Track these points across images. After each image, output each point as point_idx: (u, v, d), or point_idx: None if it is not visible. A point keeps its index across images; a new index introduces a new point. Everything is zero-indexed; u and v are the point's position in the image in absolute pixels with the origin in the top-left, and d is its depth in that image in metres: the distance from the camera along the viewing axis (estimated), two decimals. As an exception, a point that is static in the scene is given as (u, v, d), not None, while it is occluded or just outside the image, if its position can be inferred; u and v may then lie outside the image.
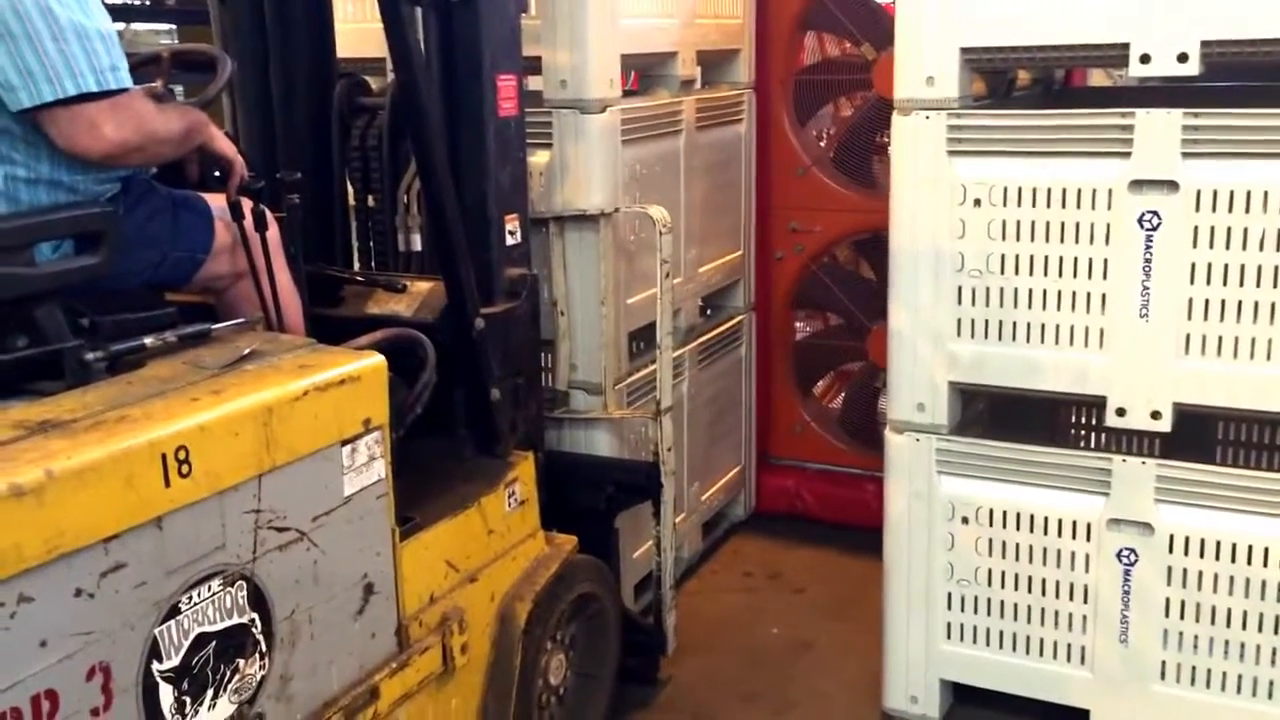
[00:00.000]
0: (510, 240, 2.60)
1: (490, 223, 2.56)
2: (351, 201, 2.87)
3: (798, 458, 4.12)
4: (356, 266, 2.87)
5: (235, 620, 1.79)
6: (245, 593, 1.80)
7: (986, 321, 2.62)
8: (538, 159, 3.02)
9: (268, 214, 2.20)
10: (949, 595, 2.77)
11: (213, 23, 2.72)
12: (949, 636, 2.79)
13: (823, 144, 4.14)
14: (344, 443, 1.96)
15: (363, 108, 2.80)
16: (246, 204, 2.17)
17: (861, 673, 3.04)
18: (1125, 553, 2.58)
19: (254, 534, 1.81)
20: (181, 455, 1.67)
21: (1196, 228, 2.40)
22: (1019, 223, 2.55)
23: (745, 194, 3.86)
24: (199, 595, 1.72)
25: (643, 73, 3.52)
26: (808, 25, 3.94)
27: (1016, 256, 2.56)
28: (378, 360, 2.03)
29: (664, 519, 2.96)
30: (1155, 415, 2.51)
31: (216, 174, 2.22)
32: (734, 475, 3.98)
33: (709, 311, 3.87)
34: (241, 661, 1.81)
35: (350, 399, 1.96)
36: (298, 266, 2.29)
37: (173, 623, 1.69)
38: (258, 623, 1.83)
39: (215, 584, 1.75)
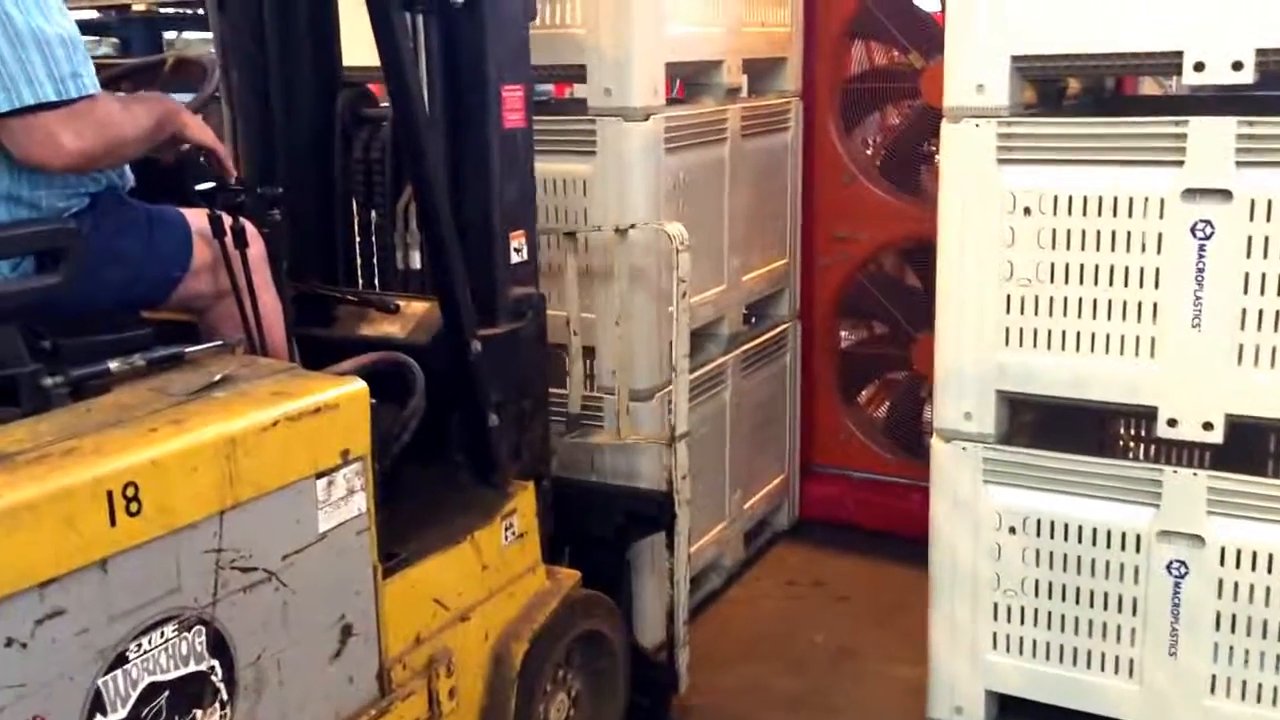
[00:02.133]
0: (516, 258, 2.50)
1: (494, 239, 2.46)
2: (357, 217, 2.78)
3: (842, 466, 4.11)
4: (360, 285, 2.79)
5: (192, 668, 1.67)
6: (204, 638, 1.68)
7: (1035, 331, 2.60)
8: (579, 168, 3.04)
9: (250, 230, 2.09)
10: (995, 605, 2.75)
11: (212, 30, 2.63)
12: (995, 647, 2.77)
13: (869, 152, 4.14)
14: (319, 475, 1.83)
15: (366, 119, 2.71)
16: (227, 220, 2.06)
17: (906, 682, 3.03)
18: (1175, 565, 2.55)
19: (214, 575, 1.69)
20: (130, 492, 1.55)
21: (1250, 237, 2.37)
22: (1069, 231, 2.53)
23: (791, 202, 3.86)
24: (150, 642, 1.61)
25: (688, 81, 3.54)
26: (855, 34, 3.94)
27: (1066, 265, 2.54)
28: (358, 387, 1.90)
29: (678, 552, 2.81)
30: (1207, 426, 2.48)
31: (199, 187, 2.10)
32: (778, 483, 3.97)
33: (753, 319, 3.88)
34: (199, 712, 1.69)
35: (327, 429, 1.84)
36: (282, 286, 2.18)
37: (119, 672, 1.57)
38: (218, 670, 1.72)
39: (169, 630, 1.63)
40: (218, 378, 1.84)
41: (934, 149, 2.75)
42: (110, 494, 1.53)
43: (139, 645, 1.60)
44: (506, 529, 2.40)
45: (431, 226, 2.34)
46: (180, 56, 2.37)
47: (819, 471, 4.14)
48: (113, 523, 1.54)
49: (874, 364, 4.21)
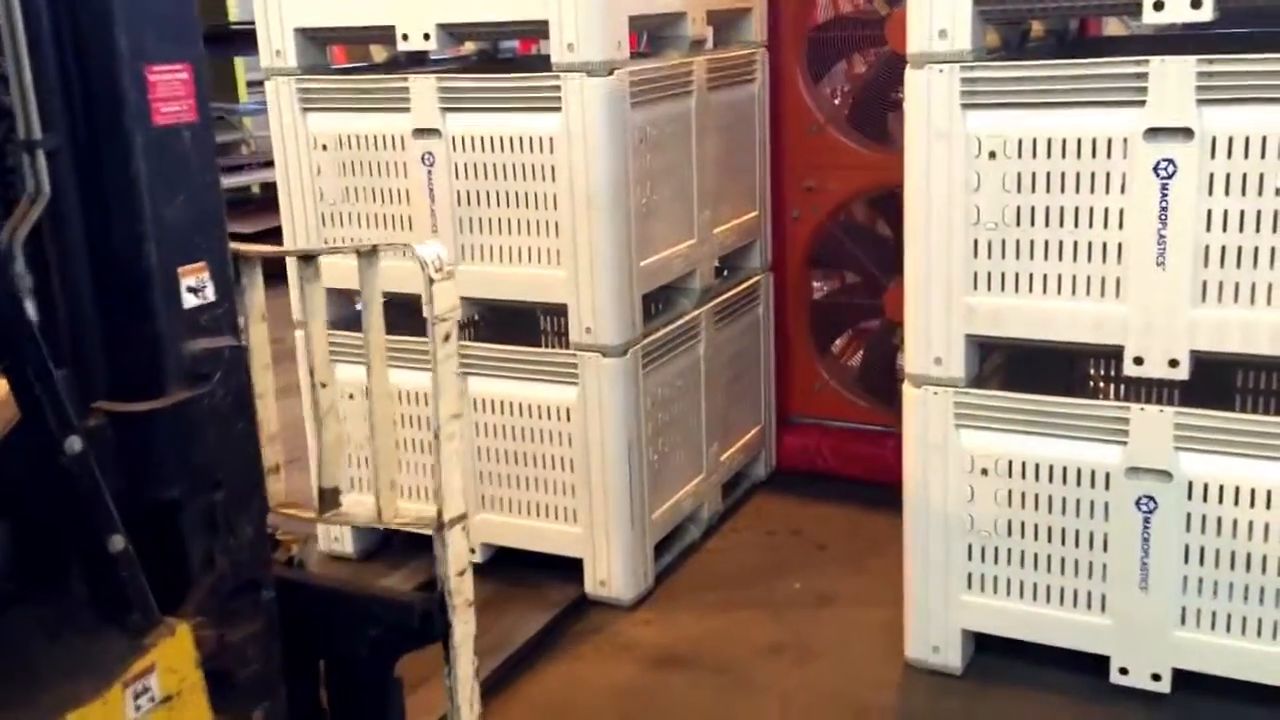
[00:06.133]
0: (192, 300, 1.89)
1: (149, 279, 1.83)
2: None
3: (817, 416, 4.14)
4: None
5: None
6: None
7: (1003, 274, 2.62)
8: (545, 125, 3.03)
9: None
10: (969, 546, 2.79)
11: None
12: (969, 587, 2.82)
13: (837, 101, 4.13)
14: None
15: (5, 111, 1.89)
16: None
17: (884, 624, 3.08)
18: (1144, 500, 2.60)
19: None
20: None
21: (1212, 175, 2.40)
22: (1034, 174, 2.55)
23: (760, 154, 3.86)
24: None
25: (652, 34, 3.52)
26: (820, -19, 3.92)
27: (1032, 208, 2.56)
28: None
29: (456, 669, 2.17)
30: (1173, 363, 2.52)
31: None
32: (754, 435, 4.00)
33: (725, 272, 3.89)
34: None
35: None
36: None
37: None
38: None
39: None
40: None
41: (902, 96, 2.75)
42: None
43: None
44: (138, 695, 1.72)
45: None
46: None
47: (795, 422, 4.17)
48: None
49: (847, 313, 4.24)
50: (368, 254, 2.20)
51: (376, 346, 2.23)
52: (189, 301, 1.90)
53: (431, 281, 2.08)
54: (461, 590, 2.17)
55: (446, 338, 2.10)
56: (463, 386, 2.13)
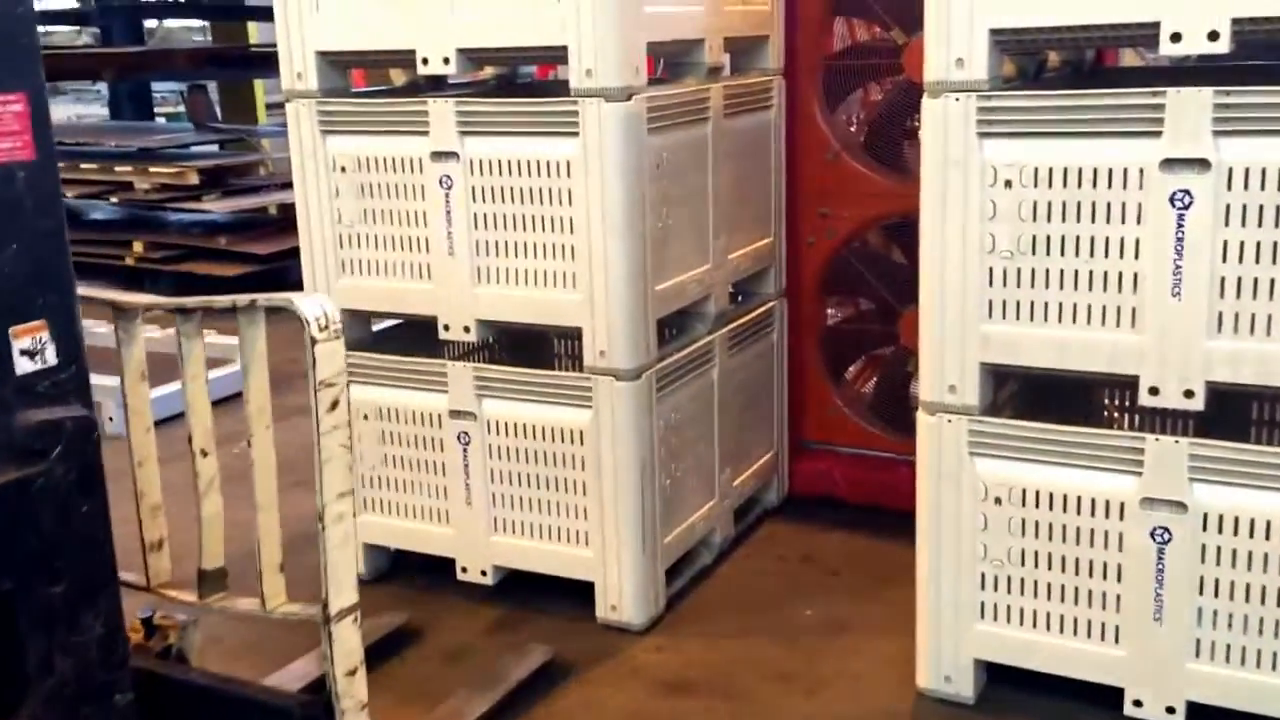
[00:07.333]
0: (28, 365, 1.70)
1: None
2: None
3: (831, 442, 4.13)
4: None
5: None
6: None
7: (1018, 303, 2.62)
8: (562, 149, 3.05)
9: None
10: (982, 575, 2.78)
11: None
12: (982, 616, 2.80)
13: (853, 129, 4.15)
14: None
15: None
16: None
17: (895, 653, 3.06)
18: (1159, 531, 2.58)
19: None
20: None
21: (1228, 206, 2.40)
22: (1050, 204, 2.55)
23: (775, 180, 3.88)
24: None
25: (670, 60, 3.54)
26: (837, 10, 3.94)
27: (1047, 237, 2.57)
28: None
29: None
30: (1188, 394, 2.51)
31: None
32: (767, 460, 4.00)
33: (740, 297, 3.90)
34: None
35: None
36: None
37: None
38: None
39: None
40: None
41: (917, 124, 2.76)
42: None
43: None
44: None
45: None
46: None
47: (808, 448, 4.16)
48: None
49: (860, 340, 4.23)
50: (246, 308, 1.95)
51: (259, 415, 1.99)
52: (23, 366, 1.69)
53: (314, 342, 1.83)
54: (351, 692, 1.94)
55: (333, 405, 1.86)
56: (351, 460, 1.97)
